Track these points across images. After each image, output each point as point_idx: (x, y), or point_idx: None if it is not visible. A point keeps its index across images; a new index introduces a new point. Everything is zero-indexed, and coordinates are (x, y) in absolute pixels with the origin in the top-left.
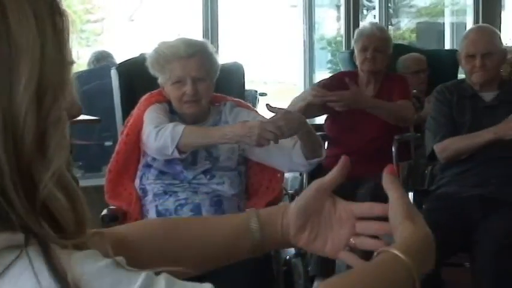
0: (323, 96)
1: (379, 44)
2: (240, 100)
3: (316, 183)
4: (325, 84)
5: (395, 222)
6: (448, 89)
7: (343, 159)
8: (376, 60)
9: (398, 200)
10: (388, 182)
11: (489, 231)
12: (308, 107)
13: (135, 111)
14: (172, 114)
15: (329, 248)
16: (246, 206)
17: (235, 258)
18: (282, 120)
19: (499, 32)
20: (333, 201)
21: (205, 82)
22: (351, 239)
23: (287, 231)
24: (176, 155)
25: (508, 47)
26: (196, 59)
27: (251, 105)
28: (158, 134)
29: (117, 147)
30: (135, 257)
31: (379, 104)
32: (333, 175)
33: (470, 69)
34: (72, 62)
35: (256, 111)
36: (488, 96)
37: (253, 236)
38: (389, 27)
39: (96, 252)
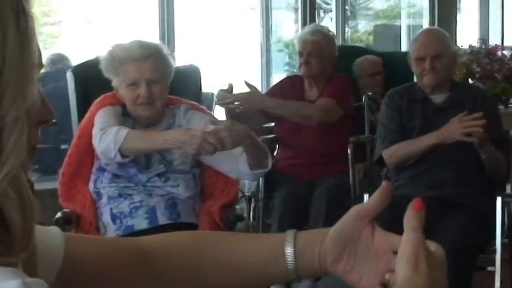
0: (223, 100)
1: (312, 48)
2: (195, 103)
3: (356, 208)
4: (276, 89)
5: (398, 264)
6: (399, 93)
7: (384, 185)
8: (310, 65)
9: (408, 241)
10: (408, 219)
11: (446, 232)
12: (230, 113)
13: (87, 114)
14: (126, 117)
15: (364, 283)
16: (201, 209)
17: (264, 286)
18: (225, 132)
19: (448, 34)
20: (372, 230)
21: (159, 84)
22: (386, 275)
23: (324, 259)
24: (119, 159)
25: (463, 49)
26: (150, 61)
27: (206, 108)
28: (102, 138)
29: (69, 150)
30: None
31: (278, 104)
32: (374, 201)
33: (420, 71)
34: (39, 64)
35: (211, 115)
36: (439, 98)
37: (287, 263)
38: (347, 29)
39: (8, 271)
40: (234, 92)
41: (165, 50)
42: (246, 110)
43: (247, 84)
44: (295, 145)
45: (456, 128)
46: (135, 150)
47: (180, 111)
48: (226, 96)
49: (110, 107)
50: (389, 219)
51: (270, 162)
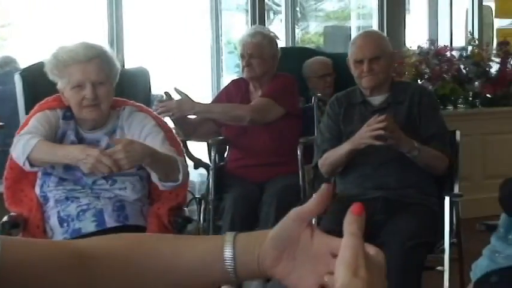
0: (157, 110)
1: (252, 50)
2: (141, 105)
3: (294, 211)
4: (222, 94)
5: (337, 268)
6: (339, 100)
7: (323, 188)
8: (252, 67)
9: (347, 246)
10: (348, 223)
11: (394, 233)
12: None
13: (27, 117)
14: (67, 120)
15: (302, 285)
16: (149, 211)
17: None
18: (121, 153)
19: (386, 36)
20: (311, 233)
21: (105, 86)
22: (325, 277)
23: (263, 262)
24: (28, 167)
25: (412, 50)
26: (95, 62)
27: (152, 110)
28: (17, 144)
29: (10, 154)
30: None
31: (208, 108)
32: (313, 204)
33: (359, 74)
34: None
35: (159, 117)
36: (377, 100)
37: (226, 265)
38: (298, 30)
39: None
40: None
41: (110, 51)
42: (179, 117)
43: (177, 91)
44: (244, 147)
45: (365, 132)
46: (40, 161)
47: (124, 113)
48: (158, 105)
49: (46, 112)
50: (337, 219)
51: (181, 176)
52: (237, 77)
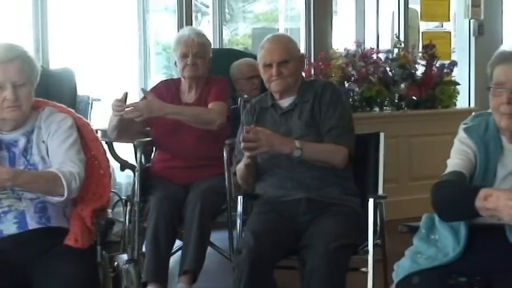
0: (120, 110)
1: (198, 49)
2: (63, 106)
3: None
4: (156, 92)
5: None
6: (253, 106)
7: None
8: (197, 66)
9: None
10: None
11: (318, 234)
12: (121, 122)
13: None
14: None
15: None
16: (72, 212)
17: None
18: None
19: (294, 39)
20: None
21: (26, 87)
22: None
23: None
24: None
25: (338, 52)
26: (16, 63)
27: (82, 111)
28: None
29: None
30: None
31: (179, 110)
32: None
33: (268, 78)
34: None
35: (81, 118)
36: (286, 102)
37: None
38: (227, 32)
39: None
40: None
41: (30, 52)
42: (147, 118)
43: (144, 91)
44: (173, 148)
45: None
46: None
47: (43, 113)
48: (122, 105)
49: None
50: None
51: (66, 190)
52: (166, 78)
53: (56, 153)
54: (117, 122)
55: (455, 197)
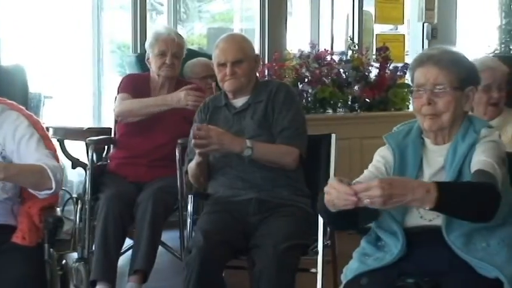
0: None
1: (177, 50)
2: (13, 102)
3: None
4: (128, 86)
5: None
6: (206, 104)
7: None
8: (174, 66)
9: None
10: None
11: (267, 235)
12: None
13: None
14: None
15: None
16: (20, 210)
17: None
18: None
19: (249, 39)
20: None
21: None
22: None
23: None
24: None
25: (292, 53)
26: None
27: (34, 109)
28: None
29: None
30: None
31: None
32: None
33: (222, 77)
34: None
35: (31, 116)
36: (239, 102)
37: None
38: (182, 31)
39: None
40: None
41: None
42: None
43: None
44: (135, 147)
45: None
46: None
47: None
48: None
49: None
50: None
51: (53, 183)
52: (121, 75)
53: (27, 153)
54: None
55: (321, 206)
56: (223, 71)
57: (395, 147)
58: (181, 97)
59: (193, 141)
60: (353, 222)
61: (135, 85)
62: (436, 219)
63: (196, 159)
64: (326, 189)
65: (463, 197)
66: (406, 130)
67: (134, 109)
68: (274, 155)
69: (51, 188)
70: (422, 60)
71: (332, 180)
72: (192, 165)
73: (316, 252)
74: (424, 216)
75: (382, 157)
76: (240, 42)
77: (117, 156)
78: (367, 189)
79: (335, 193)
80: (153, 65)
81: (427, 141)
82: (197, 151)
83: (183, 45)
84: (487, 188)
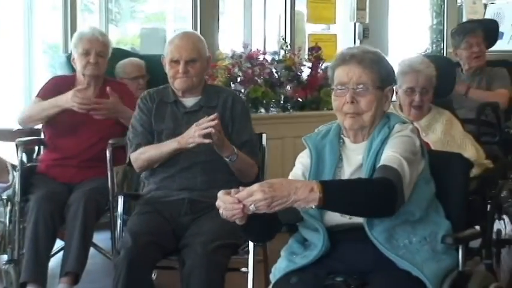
0: None
1: (102, 48)
2: None
3: None
4: (48, 89)
5: None
6: (151, 96)
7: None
8: (98, 65)
9: None
10: None
11: (197, 234)
12: None
13: None
14: None
15: None
16: None
17: None
18: None
19: (203, 39)
20: None
21: None
22: None
23: None
24: None
25: (225, 53)
26: None
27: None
28: None
29: None
30: None
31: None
32: None
33: (173, 74)
34: None
35: None
36: (189, 101)
37: None
38: (115, 32)
39: None
40: None
41: None
42: None
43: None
44: (65, 147)
45: (194, 132)
46: None
47: None
48: None
49: None
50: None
51: (11, 177)
52: (56, 75)
53: None
54: None
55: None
56: (176, 68)
57: (313, 148)
58: (68, 97)
59: (203, 131)
60: (271, 230)
61: (59, 88)
62: (356, 217)
63: (181, 145)
64: (216, 203)
65: (349, 194)
66: (325, 131)
67: (33, 114)
68: (247, 166)
69: (8, 181)
70: (344, 59)
71: (219, 193)
72: (163, 150)
73: (247, 252)
74: (344, 215)
75: (301, 164)
76: (195, 42)
77: (47, 158)
78: (249, 194)
79: (223, 205)
80: (78, 65)
81: (347, 140)
82: (201, 134)
83: (108, 44)
84: (378, 183)
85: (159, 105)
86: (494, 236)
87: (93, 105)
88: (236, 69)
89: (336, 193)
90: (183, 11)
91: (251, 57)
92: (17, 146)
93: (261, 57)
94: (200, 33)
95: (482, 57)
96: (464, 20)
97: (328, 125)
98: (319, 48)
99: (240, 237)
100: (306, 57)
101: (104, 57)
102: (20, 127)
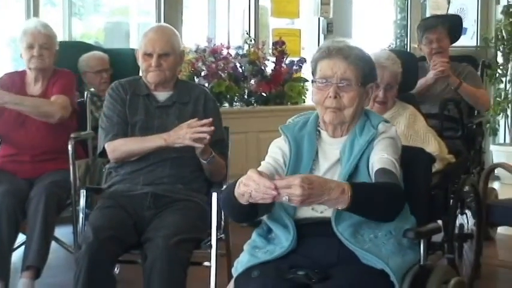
0: None
1: (45, 41)
2: None
3: None
4: (1, 85)
5: None
6: (123, 86)
7: None
8: (43, 58)
9: None
10: None
11: (159, 228)
12: None
13: None
14: None
15: None
16: None
17: None
18: None
19: (178, 33)
20: None
21: None
22: None
23: None
24: None
25: (188, 47)
26: None
27: None
28: None
29: None
30: None
31: (19, 100)
32: None
33: (146, 67)
34: None
35: None
36: (162, 96)
37: None
38: (79, 25)
39: None
40: None
41: None
42: None
43: None
44: (18, 141)
45: (185, 133)
46: None
47: None
48: None
49: None
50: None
51: None
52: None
53: None
54: None
55: (227, 197)
56: (149, 61)
57: (292, 139)
58: None
59: (198, 135)
60: (254, 214)
61: (10, 83)
62: (327, 211)
63: (168, 143)
64: (243, 180)
65: (372, 198)
66: (302, 122)
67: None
68: (219, 168)
69: None
70: (330, 53)
71: (252, 172)
72: (147, 145)
73: (210, 246)
74: (316, 208)
75: (279, 148)
76: (169, 36)
77: (3, 154)
78: (288, 186)
79: (254, 185)
80: (24, 59)
81: (324, 133)
82: (193, 138)
83: (52, 36)
84: (392, 188)
85: (132, 97)
86: (456, 231)
87: None
88: (200, 64)
89: (363, 196)
90: (146, 5)
91: (215, 52)
92: None
93: (225, 52)
94: None
95: (444, 53)
96: (427, 15)
97: (303, 115)
98: (283, 43)
99: (202, 231)
100: (270, 51)
101: (48, 49)
102: None
